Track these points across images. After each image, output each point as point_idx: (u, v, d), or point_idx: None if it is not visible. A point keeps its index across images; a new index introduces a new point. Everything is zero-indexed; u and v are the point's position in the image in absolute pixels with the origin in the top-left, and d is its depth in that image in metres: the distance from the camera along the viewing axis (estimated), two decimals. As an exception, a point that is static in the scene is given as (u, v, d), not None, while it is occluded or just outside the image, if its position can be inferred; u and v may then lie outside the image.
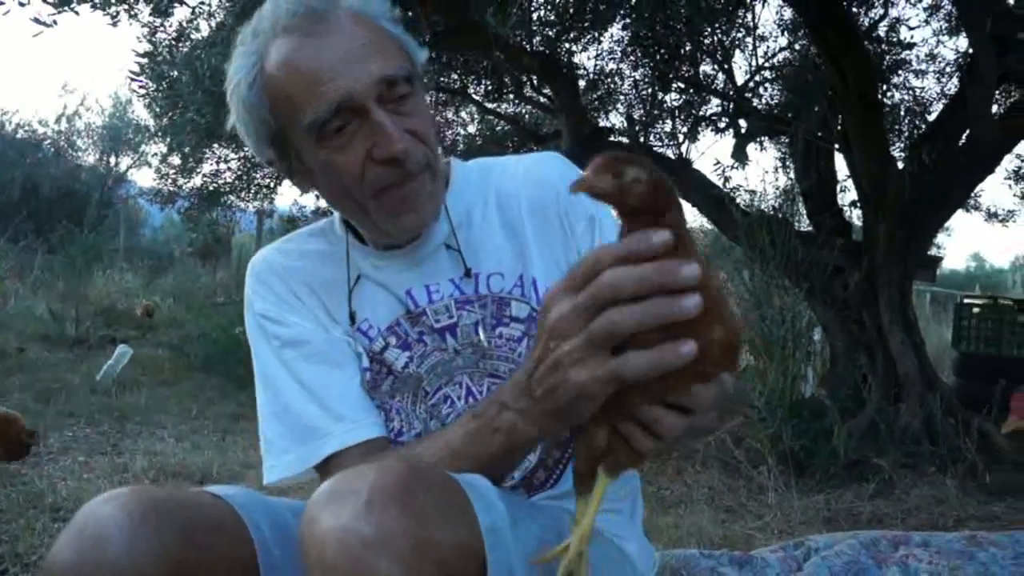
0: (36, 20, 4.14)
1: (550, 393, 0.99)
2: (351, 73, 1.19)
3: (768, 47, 6.53)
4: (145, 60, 4.91)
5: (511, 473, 1.27)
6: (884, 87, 5.96)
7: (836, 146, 5.64)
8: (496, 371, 1.34)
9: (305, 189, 1.35)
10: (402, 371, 1.35)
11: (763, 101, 6.71)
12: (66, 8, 4.20)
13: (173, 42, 5.43)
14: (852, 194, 5.76)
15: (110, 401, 5.65)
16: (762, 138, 6.73)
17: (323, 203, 9.56)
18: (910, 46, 6.20)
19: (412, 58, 1.29)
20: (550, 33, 5.98)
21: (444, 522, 0.91)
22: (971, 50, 5.14)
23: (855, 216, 5.89)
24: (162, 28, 5.39)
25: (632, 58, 6.45)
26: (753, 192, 5.72)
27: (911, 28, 6.26)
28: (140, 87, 5.36)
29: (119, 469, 4.09)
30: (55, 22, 4.21)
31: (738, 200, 5.52)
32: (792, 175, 6.14)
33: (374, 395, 1.36)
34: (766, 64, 6.61)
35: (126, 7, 4.76)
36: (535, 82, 6.47)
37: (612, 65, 6.55)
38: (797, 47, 6.50)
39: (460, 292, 1.35)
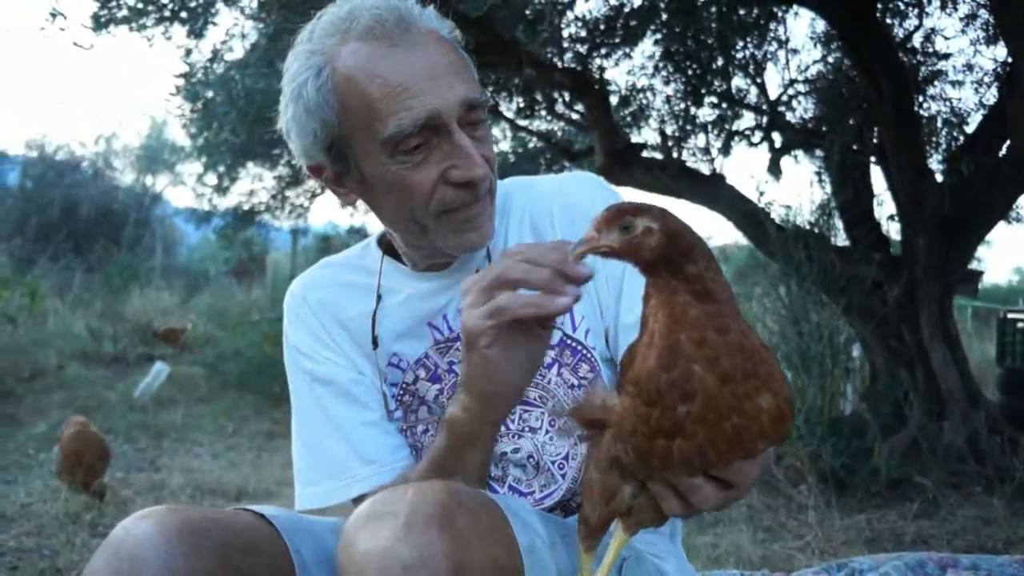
0: (76, 44, 4.23)
1: (466, 366, 1.08)
2: (438, 91, 1.17)
3: (801, 60, 6.49)
4: (182, 81, 4.97)
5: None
6: (920, 99, 5.86)
7: (872, 159, 5.56)
8: (527, 397, 1.32)
9: (350, 201, 1.32)
10: (434, 402, 1.34)
11: (797, 115, 6.65)
12: (104, 31, 4.28)
13: (208, 63, 5.50)
14: (889, 208, 5.67)
15: (147, 418, 5.71)
16: (796, 152, 6.66)
17: (358, 221, 9.66)
18: (946, 56, 6.09)
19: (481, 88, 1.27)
20: (581, 49, 5.97)
21: (483, 543, 0.89)
22: (1010, 58, 5.05)
23: (893, 230, 5.80)
24: (196, 49, 5.47)
25: (664, 73, 6.42)
26: (788, 207, 5.64)
27: (947, 38, 6.13)
28: (177, 107, 5.43)
29: (157, 486, 4.12)
30: (92, 45, 4.29)
31: (773, 215, 5.45)
32: (828, 189, 6.06)
33: (407, 430, 1.35)
34: (799, 77, 6.55)
35: (162, 29, 4.84)
36: (567, 99, 6.46)
37: (644, 81, 6.53)
38: (830, 60, 6.43)
39: None
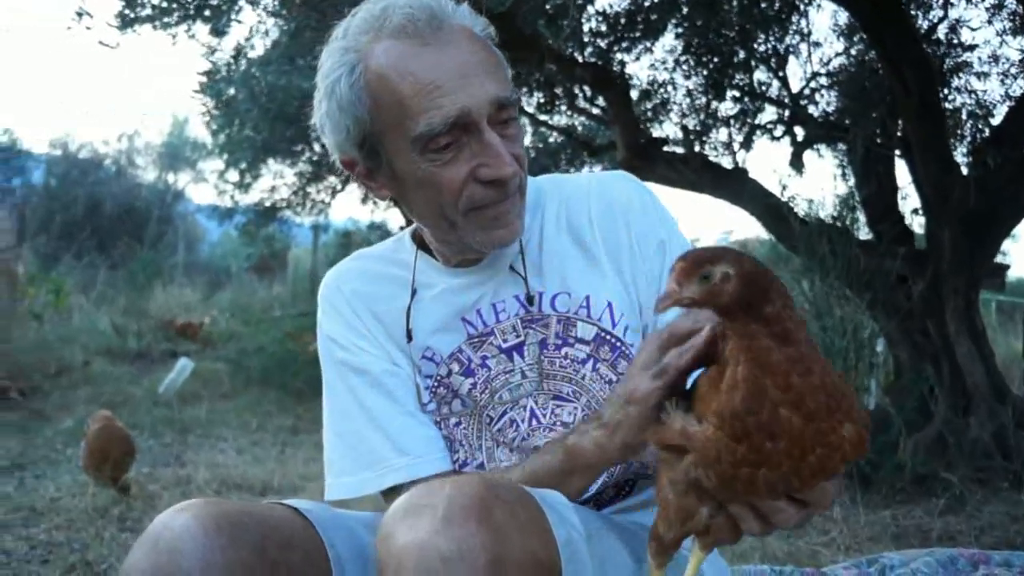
0: (101, 43, 4.26)
1: (617, 411, 1.10)
2: (469, 89, 1.18)
3: (823, 53, 6.42)
4: (205, 79, 5.01)
5: (581, 496, 1.27)
6: (945, 90, 5.81)
7: (897, 152, 5.51)
8: (560, 392, 1.33)
9: (382, 196, 1.34)
10: (467, 396, 1.34)
11: (819, 108, 6.59)
12: (129, 29, 4.31)
13: (231, 60, 5.54)
14: (913, 201, 5.62)
15: (172, 414, 5.76)
16: (819, 146, 6.61)
17: (378, 217, 9.70)
18: (972, 47, 6.02)
19: (512, 86, 1.28)
20: (602, 44, 5.95)
21: (520, 537, 0.90)
22: (1037, 50, 4.99)
23: (917, 224, 5.75)
24: (219, 47, 5.51)
25: (685, 67, 6.39)
26: (811, 201, 5.60)
27: (973, 29, 6.05)
28: (202, 105, 5.48)
29: (183, 481, 4.15)
30: (118, 44, 4.32)
31: (796, 209, 5.41)
32: (852, 183, 6.02)
33: (440, 422, 1.36)
34: (822, 70, 6.50)
35: (185, 27, 4.87)
36: (588, 93, 6.44)
37: (664, 75, 6.50)
38: (853, 52, 6.38)
39: (525, 311, 1.34)
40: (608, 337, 1.34)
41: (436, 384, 1.37)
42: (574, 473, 1.16)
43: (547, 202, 1.40)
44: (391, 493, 1.31)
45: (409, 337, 1.36)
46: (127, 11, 4.20)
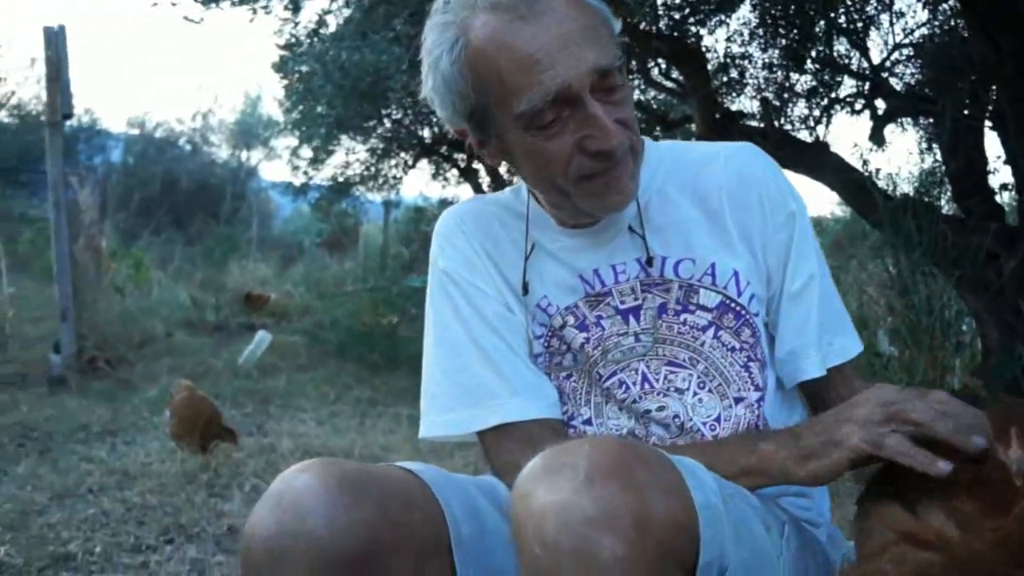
0: (186, 18, 4.35)
1: (821, 436, 1.11)
2: (568, 61, 1.15)
3: (906, 23, 6.21)
4: (287, 52, 5.09)
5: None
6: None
7: (988, 125, 5.31)
8: (675, 358, 1.32)
9: (495, 164, 1.36)
10: (579, 350, 1.34)
11: (902, 80, 6.40)
12: (213, 5, 4.40)
13: (308, 36, 5.60)
14: (1004, 175, 5.43)
15: (252, 384, 5.89)
16: (903, 119, 6.41)
17: (449, 193, 9.74)
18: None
19: (618, 41, 1.25)
20: (676, 16, 5.85)
21: (661, 498, 0.89)
22: None
23: (1007, 199, 5.55)
24: (295, 23, 5.58)
25: (761, 40, 6.25)
26: (895, 175, 5.44)
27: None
28: (281, 80, 5.57)
29: (267, 449, 4.25)
30: (202, 19, 4.41)
31: (879, 184, 5.27)
32: (938, 156, 5.83)
33: (551, 374, 1.36)
34: (905, 41, 6.29)
35: (263, 3, 4.94)
36: (662, 67, 6.35)
37: (740, 48, 6.37)
38: (937, 21, 6.16)
39: (646, 274, 1.33)
40: (733, 305, 1.32)
41: (549, 335, 1.37)
42: (751, 475, 1.16)
43: (669, 170, 1.39)
44: (493, 434, 1.30)
45: (525, 290, 1.36)
46: (212, -14, 4.28)
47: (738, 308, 1.33)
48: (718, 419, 1.31)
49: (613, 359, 1.33)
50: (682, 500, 0.90)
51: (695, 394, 1.31)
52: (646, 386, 1.31)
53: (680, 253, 1.34)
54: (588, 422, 1.34)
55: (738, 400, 1.31)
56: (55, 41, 6.17)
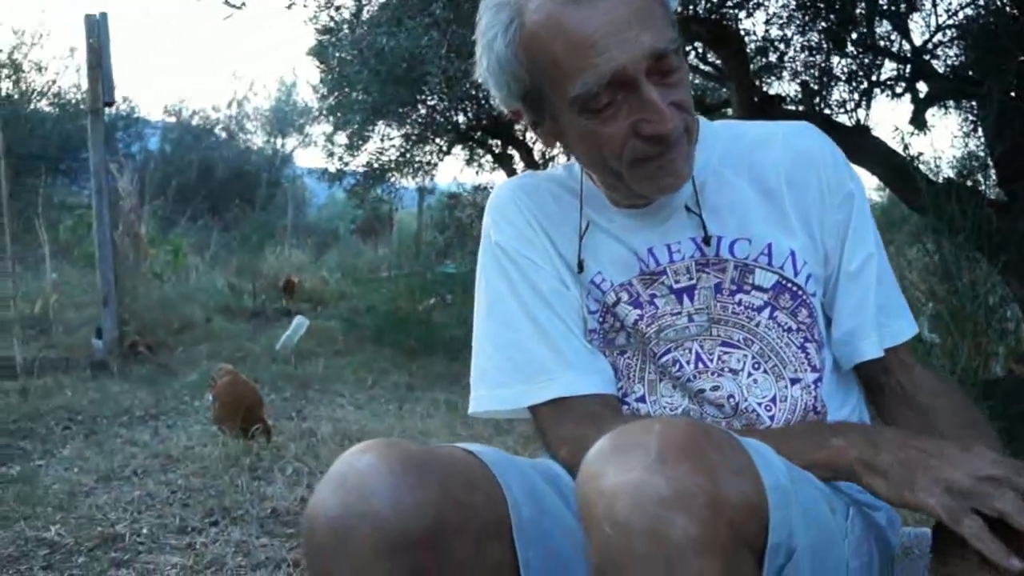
0: (227, 2, 4.36)
1: (901, 467, 1.07)
2: (623, 44, 1.13)
3: (950, 3, 6.09)
4: (325, 37, 5.10)
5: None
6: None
7: (1037, 107, 5.20)
8: (730, 338, 1.31)
9: (549, 144, 1.36)
10: (632, 327, 1.33)
11: (944, 63, 6.27)
12: (254, -9, 4.41)
13: (346, 22, 5.61)
14: (1051, 160, 5.30)
15: (290, 369, 5.95)
16: (946, 102, 6.30)
17: (484, 179, 9.73)
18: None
19: (674, 21, 1.22)
20: (714, 0, 5.78)
21: (733, 479, 0.88)
22: None
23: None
24: (332, 9, 5.60)
25: (799, 23, 6.16)
26: (938, 158, 5.35)
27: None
28: (318, 66, 5.60)
29: (306, 433, 4.29)
30: (244, 4, 4.42)
31: (922, 168, 5.19)
32: (982, 139, 5.72)
33: (605, 350, 1.35)
34: (949, 22, 6.17)
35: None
36: (700, 50, 6.28)
37: (779, 32, 6.28)
38: (983, 1, 6.03)
39: (701, 254, 1.32)
40: (789, 285, 1.31)
41: (604, 311, 1.35)
42: (817, 467, 1.15)
43: (727, 147, 1.37)
44: (547, 409, 1.29)
45: (580, 268, 1.35)
46: (252, -25, 4.29)
47: (795, 288, 1.31)
48: (773, 400, 1.29)
49: (667, 338, 1.32)
50: (753, 481, 0.89)
51: (749, 375, 1.30)
52: (700, 365, 1.30)
53: (736, 233, 1.32)
54: (642, 399, 1.33)
55: (794, 381, 1.29)
56: (97, 29, 6.25)
